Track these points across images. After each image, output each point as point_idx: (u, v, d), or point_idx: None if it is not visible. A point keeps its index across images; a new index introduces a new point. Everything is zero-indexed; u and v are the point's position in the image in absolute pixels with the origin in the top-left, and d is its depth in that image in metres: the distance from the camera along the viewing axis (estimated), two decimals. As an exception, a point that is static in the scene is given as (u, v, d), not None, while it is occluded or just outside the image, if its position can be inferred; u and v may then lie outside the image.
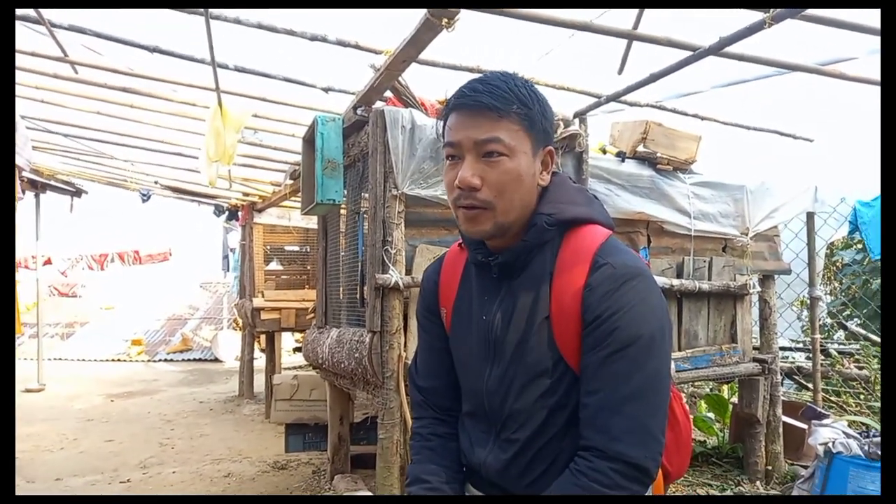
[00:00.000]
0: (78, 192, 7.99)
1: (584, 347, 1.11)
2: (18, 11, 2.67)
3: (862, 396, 5.18)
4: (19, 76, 3.60)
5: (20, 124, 4.32)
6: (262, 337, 7.68)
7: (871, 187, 4.90)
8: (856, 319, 6.66)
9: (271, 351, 7.25)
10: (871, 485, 3.04)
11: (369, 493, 3.42)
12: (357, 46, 2.88)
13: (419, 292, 1.45)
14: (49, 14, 2.80)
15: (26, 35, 3.09)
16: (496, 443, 1.22)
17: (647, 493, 1.11)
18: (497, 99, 1.10)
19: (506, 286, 1.21)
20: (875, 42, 2.77)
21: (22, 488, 4.16)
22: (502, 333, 1.19)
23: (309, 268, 7.18)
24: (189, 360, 11.76)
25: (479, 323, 1.24)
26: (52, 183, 7.42)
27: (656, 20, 2.53)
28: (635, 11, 2.49)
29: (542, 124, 1.16)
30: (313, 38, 2.82)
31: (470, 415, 1.30)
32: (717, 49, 2.51)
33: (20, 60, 3.37)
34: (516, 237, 1.17)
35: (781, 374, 4.58)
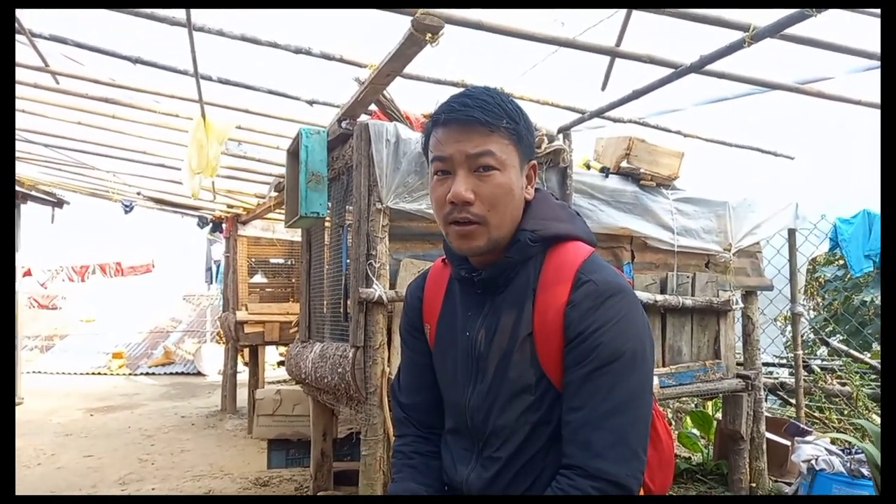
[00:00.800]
0: (59, 203, 7.91)
1: (566, 364, 1.11)
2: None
3: (845, 412, 5.20)
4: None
5: None
6: (246, 350, 7.59)
7: (850, 204, 4.98)
8: (838, 335, 6.72)
9: (255, 365, 7.15)
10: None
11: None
12: (342, 60, 2.88)
13: (402, 308, 1.43)
14: (30, 24, 2.76)
15: (7, 44, 3.05)
16: (479, 460, 1.21)
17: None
18: (488, 113, 1.10)
19: (489, 302, 1.20)
20: (852, 62, 2.83)
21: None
22: (485, 349, 1.18)
23: (293, 281, 7.12)
24: (171, 373, 11.60)
25: (462, 339, 1.23)
26: (33, 193, 7.34)
27: (639, 37, 2.56)
28: (618, 28, 2.51)
29: (528, 139, 1.17)
30: (297, 51, 2.81)
31: (453, 431, 1.29)
32: (699, 67, 2.54)
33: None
34: (500, 253, 1.17)
35: (765, 390, 4.60)
